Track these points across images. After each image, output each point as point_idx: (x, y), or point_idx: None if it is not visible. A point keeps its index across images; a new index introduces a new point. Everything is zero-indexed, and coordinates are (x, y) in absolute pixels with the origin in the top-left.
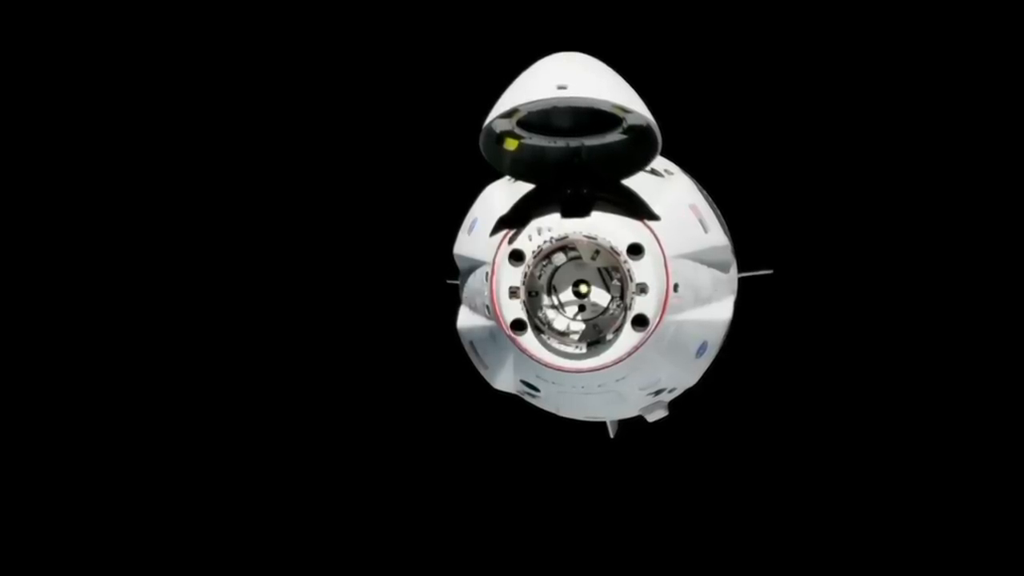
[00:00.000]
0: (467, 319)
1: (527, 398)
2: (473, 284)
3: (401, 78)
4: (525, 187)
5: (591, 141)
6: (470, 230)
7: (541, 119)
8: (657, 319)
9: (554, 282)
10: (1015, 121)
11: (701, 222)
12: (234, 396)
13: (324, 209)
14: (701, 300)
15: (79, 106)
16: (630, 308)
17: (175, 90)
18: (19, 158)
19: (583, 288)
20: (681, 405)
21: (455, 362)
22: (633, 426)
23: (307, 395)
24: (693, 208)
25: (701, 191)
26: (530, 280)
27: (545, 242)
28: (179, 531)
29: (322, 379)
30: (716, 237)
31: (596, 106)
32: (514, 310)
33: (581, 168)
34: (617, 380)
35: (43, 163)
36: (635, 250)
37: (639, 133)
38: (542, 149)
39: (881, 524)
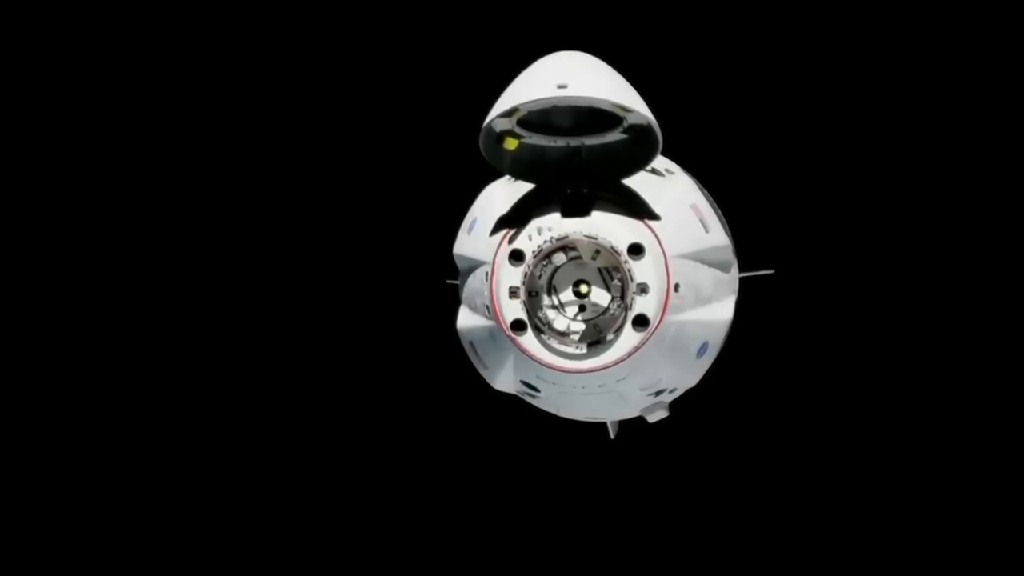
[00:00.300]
0: (467, 319)
1: (527, 398)
2: (473, 284)
3: (401, 78)
4: (525, 187)
5: (591, 140)
6: (470, 230)
7: (541, 118)
8: (658, 319)
9: (554, 282)
10: (1015, 121)
11: (702, 222)
12: (235, 396)
13: (324, 209)
14: (702, 300)
15: (79, 106)
16: (631, 308)
17: (175, 91)
18: (19, 158)
19: (583, 288)
20: (682, 406)
21: (455, 362)
22: (634, 427)
23: (307, 395)
24: (694, 208)
25: (702, 190)
26: (530, 280)
27: (545, 242)
28: (179, 531)
29: (322, 379)
30: (717, 237)
31: (596, 105)
32: (514, 310)
33: (581, 167)
34: (618, 380)
35: (43, 163)
36: (636, 250)
37: (640, 132)
38: (542, 148)
39: (881, 524)
